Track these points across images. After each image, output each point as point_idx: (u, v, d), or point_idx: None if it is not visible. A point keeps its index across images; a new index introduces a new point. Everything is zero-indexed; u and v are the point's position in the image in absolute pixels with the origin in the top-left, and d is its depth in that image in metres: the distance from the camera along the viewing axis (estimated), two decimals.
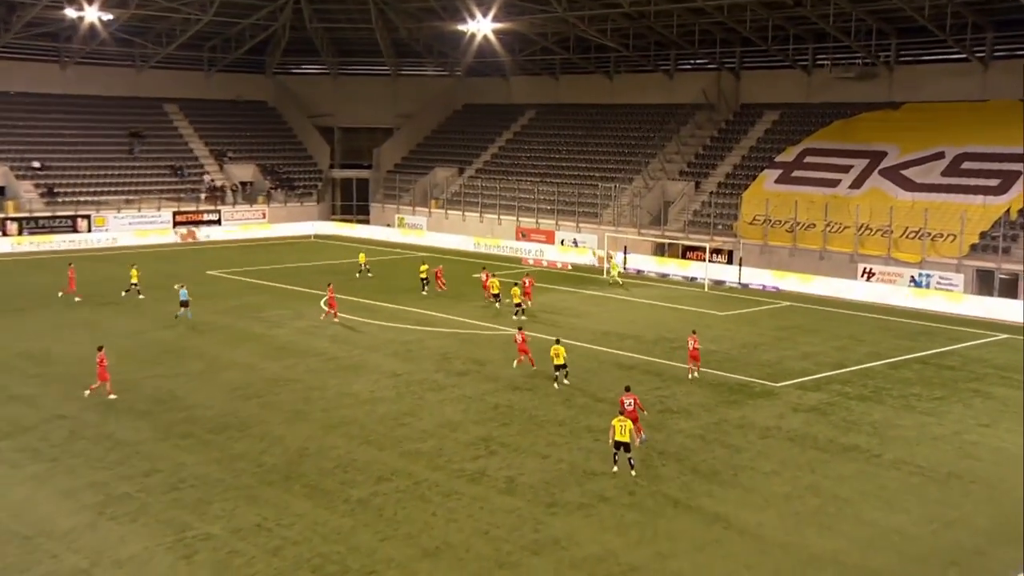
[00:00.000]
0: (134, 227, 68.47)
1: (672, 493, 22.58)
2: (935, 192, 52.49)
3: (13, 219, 64.79)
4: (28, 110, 71.92)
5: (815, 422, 28.21)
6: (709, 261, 54.68)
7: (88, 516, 20.90)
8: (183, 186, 73.56)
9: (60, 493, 22.26)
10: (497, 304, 44.66)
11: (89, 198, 68.53)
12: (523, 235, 66.46)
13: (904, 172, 54.83)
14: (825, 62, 64.85)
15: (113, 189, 70.38)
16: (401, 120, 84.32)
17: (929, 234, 49.60)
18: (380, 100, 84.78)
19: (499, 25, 64.55)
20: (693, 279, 54.60)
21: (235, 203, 74.67)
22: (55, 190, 67.85)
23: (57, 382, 31.59)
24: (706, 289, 52.10)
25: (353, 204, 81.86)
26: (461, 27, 66.42)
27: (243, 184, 77.04)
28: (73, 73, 75.08)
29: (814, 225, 53.99)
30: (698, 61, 72.52)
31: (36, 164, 69.12)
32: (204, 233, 70.85)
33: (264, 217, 75.42)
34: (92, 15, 62.81)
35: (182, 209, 71.35)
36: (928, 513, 21.76)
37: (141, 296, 45.50)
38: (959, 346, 39.10)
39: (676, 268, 56.48)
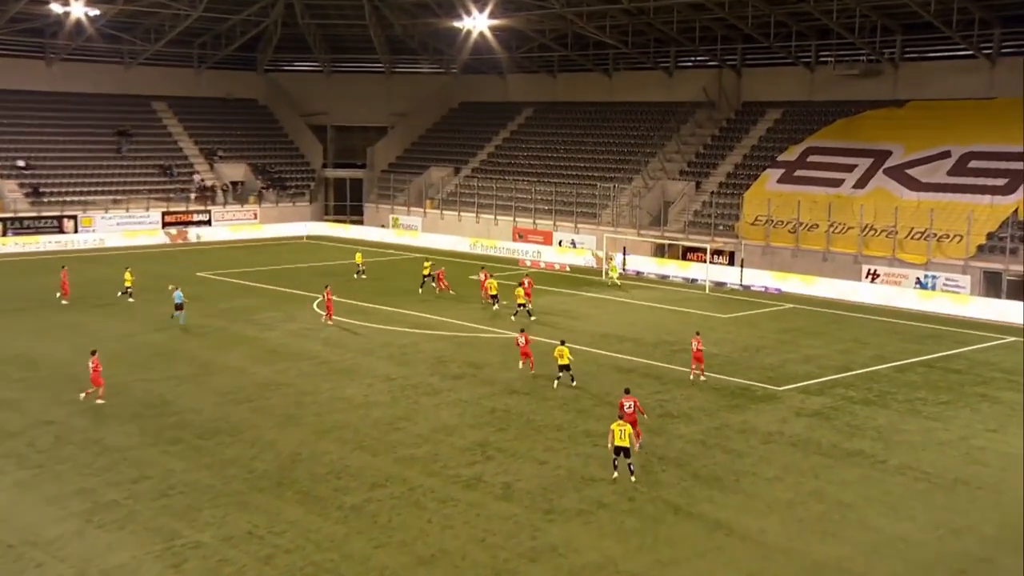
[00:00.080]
0: (122, 228, 68.01)
1: (673, 499, 22.42)
2: (941, 192, 52.14)
3: None
4: (12, 108, 71.25)
5: (818, 427, 28.03)
6: (710, 262, 54.36)
7: (75, 524, 20.69)
8: (172, 186, 73.10)
9: (46, 500, 22.01)
10: (495, 306, 44.35)
11: (76, 198, 68.02)
12: (520, 236, 66.08)
13: (909, 171, 54.48)
14: (828, 59, 64.50)
15: (100, 189, 69.85)
16: (395, 118, 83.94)
17: (935, 235, 49.28)
18: (374, 98, 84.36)
19: (495, 22, 64.37)
20: (694, 281, 54.26)
21: (226, 203, 74.18)
22: (40, 190, 67.29)
23: (43, 386, 31.30)
24: (707, 291, 51.80)
25: (347, 204, 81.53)
26: (457, 24, 66.20)
27: (234, 184, 76.52)
28: (59, 70, 74.56)
29: (817, 226, 53.64)
30: (699, 58, 72.17)
31: (21, 163, 68.54)
32: (194, 234, 70.42)
33: (255, 218, 74.96)
34: (79, 10, 62.48)
35: (171, 209, 70.88)
36: (934, 520, 21.61)
37: (131, 299, 45.22)
38: (966, 349, 38.88)
39: (676, 269, 56.17)
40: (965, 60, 58.72)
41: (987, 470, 24.76)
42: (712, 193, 61.12)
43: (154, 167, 74.03)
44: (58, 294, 45.17)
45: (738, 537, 20.38)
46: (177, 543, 19.70)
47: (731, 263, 55.09)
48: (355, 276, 53.32)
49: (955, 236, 48.78)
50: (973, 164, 52.83)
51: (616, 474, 23.29)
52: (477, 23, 63.31)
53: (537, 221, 66.05)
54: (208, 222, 72.17)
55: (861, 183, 55.35)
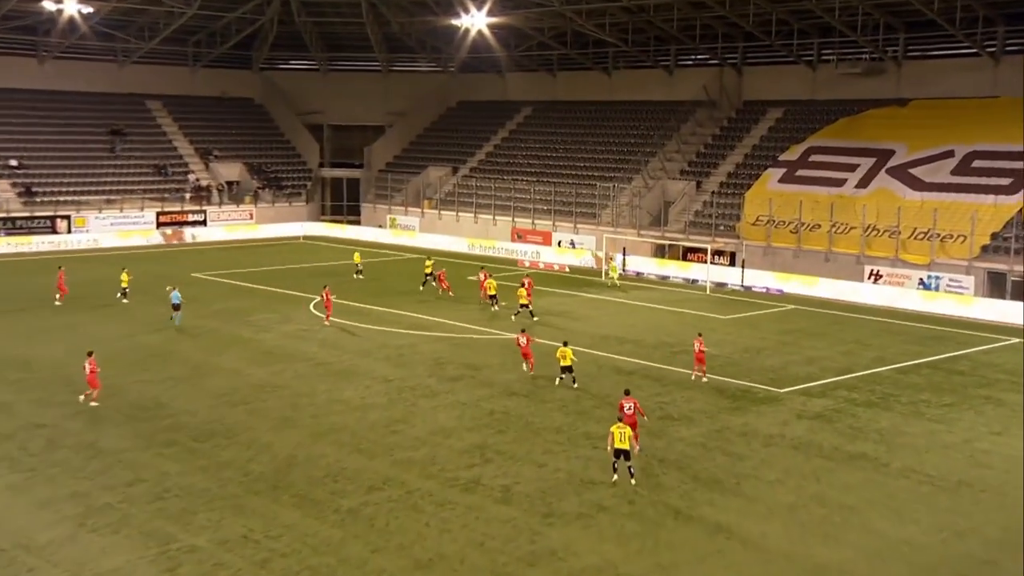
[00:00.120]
0: (116, 228, 67.70)
1: (673, 502, 22.31)
2: (944, 191, 51.91)
3: None
4: (4, 106, 70.87)
5: (820, 429, 27.89)
6: (711, 263, 54.12)
7: (68, 528, 20.55)
8: (167, 186, 72.79)
9: (38, 504, 21.84)
10: (495, 307, 44.14)
11: (69, 198, 67.70)
12: (519, 236, 65.83)
13: (912, 171, 54.26)
14: (830, 57, 64.19)
15: (94, 188, 69.53)
16: (393, 118, 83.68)
17: (938, 235, 49.07)
18: (371, 97, 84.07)
19: (494, 20, 64.21)
20: (694, 281, 54.06)
21: (221, 203, 73.88)
22: (33, 189, 67.00)
23: (36, 388, 31.11)
24: (708, 292, 51.61)
25: (343, 204, 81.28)
26: (455, 21, 66.01)
27: (229, 184, 76.23)
28: (52, 68, 74.18)
29: (819, 226, 53.43)
30: (699, 57, 71.93)
31: (13, 162, 68.25)
32: (189, 234, 70.15)
33: (251, 218, 74.65)
34: (72, 8, 62.19)
35: (166, 209, 70.56)
36: (938, 523, 21.53)
37: (125, 301, 45.03)
38: (969, 351, 38.71)
39: (677, 270, 55.97)
40: (969, 58, 58.46)
41: (991, 473, 24.64)
42: (713, 193, 60.91)
43: (149, 167, 73.72)
44: (56, 295, 44.94)
45: (739, 541, 20.27)
46: (172, 547, 19.58)
47: (732, 264, 54.89)
48: (354, 276, 53.15)
49: (959, 236, 48.58)
50: (977, 163, 52.60)
51: (616, 477, 23.15)
52: (475, 21, 63.12)
53: (536, 221, 65.83)
54: (203, 222, 71.87)
55: (864, 183, 55.13)
